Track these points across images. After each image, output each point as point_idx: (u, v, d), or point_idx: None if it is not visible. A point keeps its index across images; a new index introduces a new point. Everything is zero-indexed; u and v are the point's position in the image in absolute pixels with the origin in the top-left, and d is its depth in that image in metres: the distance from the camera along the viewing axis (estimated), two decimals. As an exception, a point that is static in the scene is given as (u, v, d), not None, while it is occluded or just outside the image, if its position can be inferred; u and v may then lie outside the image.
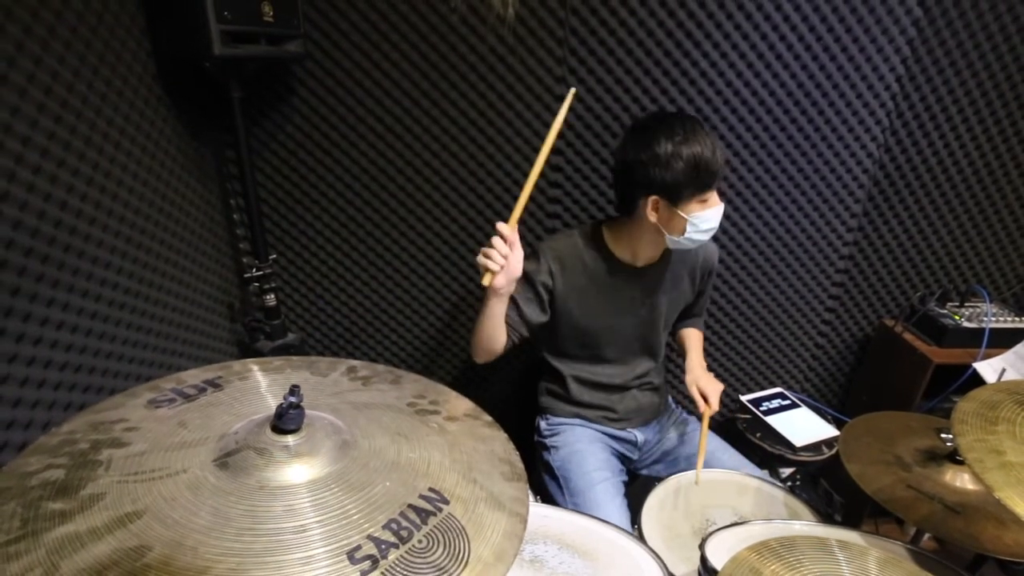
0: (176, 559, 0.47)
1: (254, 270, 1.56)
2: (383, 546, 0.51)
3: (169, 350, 1.34)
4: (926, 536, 1.18)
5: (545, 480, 1.48)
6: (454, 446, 0.66)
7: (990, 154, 1.76)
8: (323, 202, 1.69)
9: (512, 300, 1.32)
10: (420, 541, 0.52)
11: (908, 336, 1.83)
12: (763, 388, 1.98)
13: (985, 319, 1.73)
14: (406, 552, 0.51)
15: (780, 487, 1.33)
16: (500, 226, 1.16)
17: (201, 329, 1.49)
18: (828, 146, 1.70)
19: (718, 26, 1.52)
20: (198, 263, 1.48)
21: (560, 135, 1.62)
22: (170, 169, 1.37)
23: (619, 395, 1.48)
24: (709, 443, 1.52)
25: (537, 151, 1.07)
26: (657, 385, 1.53)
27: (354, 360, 0.83)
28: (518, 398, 1.83)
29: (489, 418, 0.74)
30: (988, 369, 1.65)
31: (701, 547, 0.98)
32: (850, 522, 1.78)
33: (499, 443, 0.69)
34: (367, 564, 0.49)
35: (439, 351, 1.92)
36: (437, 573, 0.50)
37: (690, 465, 1.42)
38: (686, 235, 1.22)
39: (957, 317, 1.75)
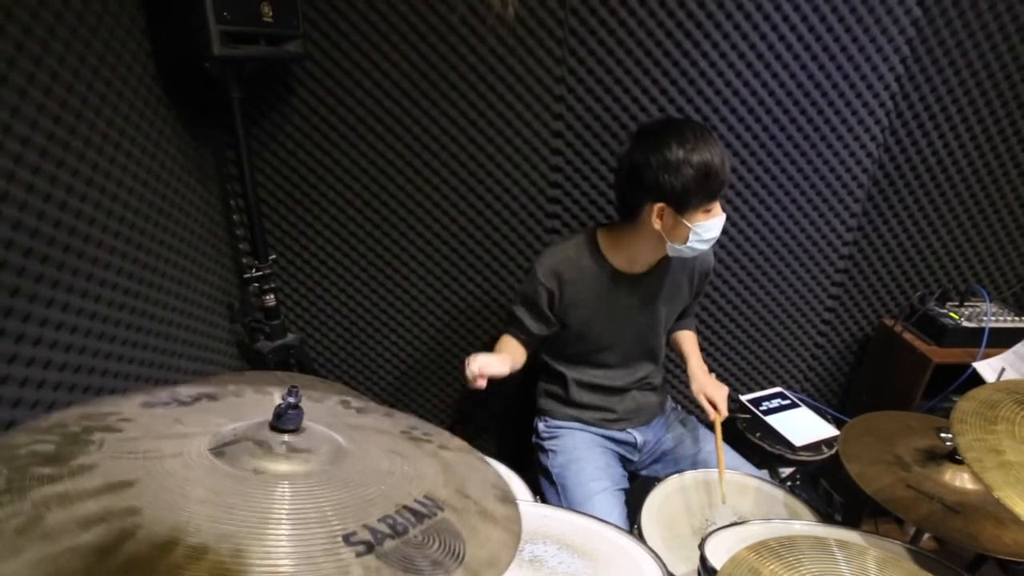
0: (168, 519, 0.46)
1: (254, 270, 1.56)
2: (378, 535, 0.51)
3: (169, 350, 1.34)
4: (926, 536, 1.18)
5: (543, 484, 1.48)
6: (448, 467, 0.66)
7: (989, 154, 1.76)
8: (323, 202, 1.69)
9: (520, 322, 1.40)
10: (416, 536, 0.52)
11: (908, 336, 1.83)
12: (763, 388, 1.98)
13: (985, 319, 1.73)
14: (402, 543, 0.51)
15: (780, 487, 1.33)
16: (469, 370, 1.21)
17: (201, 329, 1.49)
18: (828, 146, 1.70)
19: (717, 26, 1.52)
20: (198, 263, 1.48)
21: (559, 135, 1.62)
22: (170, 169, 1.37)
23: (619, 397, 1.48)
24: (709, 443, 1.52)
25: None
26: (657, 385, 1.53)
27: (347, 395, 0.83)
28: (519, 395, 1.83)
29: (481, 455, 0.74)
30: (988, 369, 1.66)
31: (701, 547, 0.98)
32: (850, 522, 1.78)
33: (491, 474, 0.70)
34: (362, 547, 0.49)
35: (439, 350, 1.92)
36: (433, 567, 0.50)
37: (689, 465, 1.42)
38: (688, 244, 1.21)
39: (957, 317, 1.75)
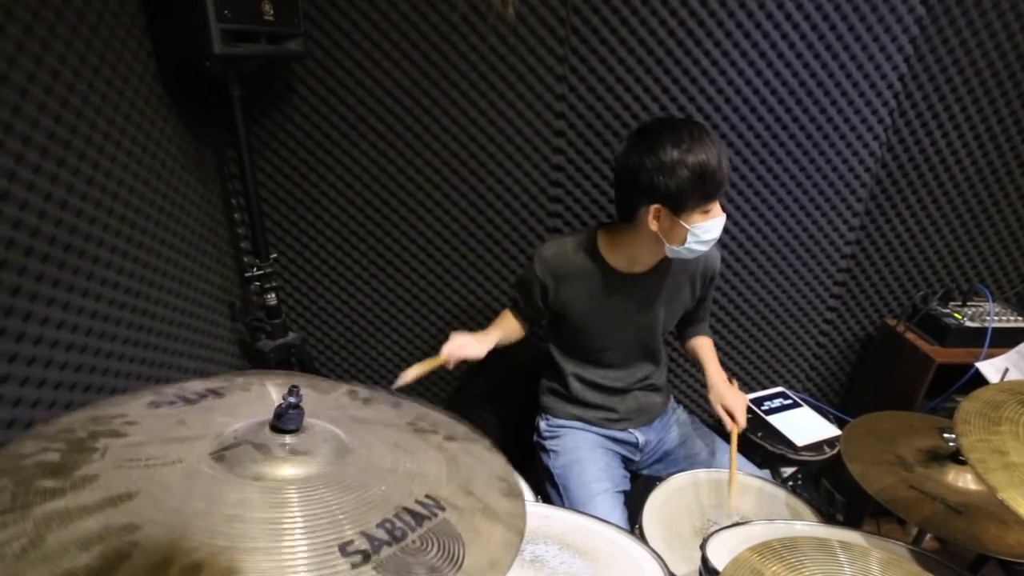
0: (164, 538, 0.47)
1: (255, 269, 1.56)
2: (376, 542, 0.50)
3: (170, 349, 1.34)
4: (928, 536, 1.18)
5: (545, 485, 1.47)
6: (452, 461, 0.66)
7: (993, 153, 1.76)
8: (324, 201, 1.68)
9: (516, 303, 1.46)
10: (414, 542, 0.52)
11: (910, 335, 1.82)
12: (765, 387, 1.98)
13: (988, 318, 1.73)
14: (399, 550, 0.50)
15: (781, 487, 1.33)
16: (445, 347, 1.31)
17: (202, 328, 1.49)
18: (830, 145, 1.70)
19: (720, 24, 1.52)
20: (199, 262, 1.48)
21: (561, 134, 1.62)
22: (171, 168, 1.37)
23: (620, 396, 1.48)
24: (710, 443, 1.52)
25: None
26: (659, 386, 1.53)
27: (355, 385, 0.83)
28: (521, 392, 1.83)
29: (488, 442, 0.73)
30: (990, 369, 1.65)
31: (702, 547, 0.97)
32: (852, 522, 1.78)
33: (498, 464, 0.69)
34: (358, 558, 0.49)
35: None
36: (430, 574, 0.49)
37: (690, 465, 1.42)
38: (686, 245, 1.19)
39: (959, 316, 1.74)
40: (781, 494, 1.31)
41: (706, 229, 1.19)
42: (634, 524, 1.22)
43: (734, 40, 1.54)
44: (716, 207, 1.20)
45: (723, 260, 1.80)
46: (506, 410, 2.02)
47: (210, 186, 1.56)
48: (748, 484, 1.34)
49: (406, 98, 1.56)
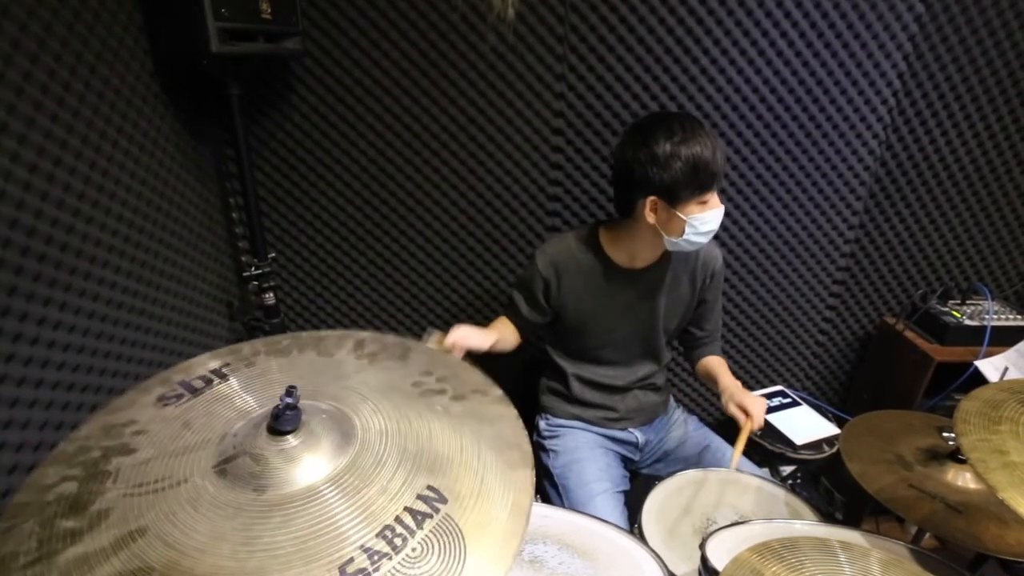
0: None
1: (253, 269, 1.56)
2: (375, 557, 0.51)
3: (168, 349, 1.34)
4: (927, 535, 1.18)
5: (544, 485, 1.47)
6: (458, 432, 0.65)
7: (992, 151, 1.76)
8: (322, 200, 1.68)
9: (514, 305, 1.42)
10: (414, 549, 0.52)
11: (909, 334, 1.82)
12: (764, 386, 1.98)
13: (987, 317, 1.73)
14: (399, 563, 0.51)
15: (781, 486, 1.33)
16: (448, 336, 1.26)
17: (200, 328, 1.49)
18: (829, 143, 1.70)
19: (719, 22, 1.51)
20: (197, 262, 1.48)
21: (560, 132, 1.62)
22: (168, 167, 1.36)
23: (620, 395, 1.48)
24: (710, 441, 1.51)
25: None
26: (660, 385, 1.53)
27: (363, 332, 0.82)
28: (520, 392, 1.82)
29: (499, 392, 0.72)
30: (990, 367, 1.65)
31: (702, 547, 0.97)
32: (851, 521, 1.78)
33: (507, 424, 0.68)
34: None
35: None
36: None
37: (690, 465, 1.42)
38: (684, 236, 1.20)
39: (958, 315, 1.74)
40: (780, 493, 1.30)
41: (704, 220, 1.19)
42: (633, 524, 1.22)
43: (733, 38, 1.54)
44: (714, 198, 1.20)
45: (723, 259, 1.80)
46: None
47: (208, 185, 1.56)
48: (747, 483, 1.33)
49: (405, 97, 1.56)
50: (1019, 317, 1.76)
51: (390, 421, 0.66)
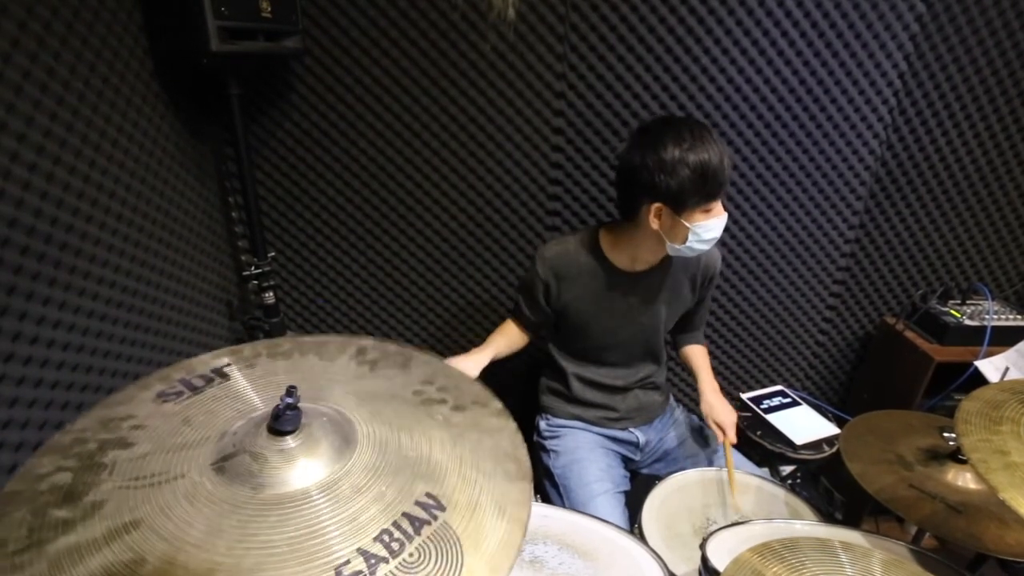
0: (168, 573, 0.48)
1: (253, 268, 1.56)
2: (372, 560, 0.50)
3: (167, 349, 1.34)
4: (927, 535, 1.18)
5: (545, 484, 1.47)
6: (458, 442, 0.65)
7: (993, 151, 1.76)
8: (322, 200, 1.68)
9: (519, 307, 1.44)
10: (412, 554, 0.52)
11: (909, 334, 1.82)
12: (764, 386, 1.98)
13: (987, 317, 1.73)
14: (396, 567, 0.50)
15: (781, 486, 1.33)
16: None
17: (200, 327, 1.48)
18: (830, 143, 1.69)
19: (719, 22, 1.51)
20: (197, 261, 1.47)
21: (561, 132, 1.61)
22: (168, 167, 1.36)
23: (621, 395, 1.48)
24: (711, 443, 1.51)
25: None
26: (660, 384, 1.52)
27: (366, 339, 0.82)
28: (521, 392, 1.82)
29: (499, 405, 0.72)
30: (990, 367, 1.65)
31: (702, 547, 0.97)
32: (851, 521, 1.78)
33: (506, 436, 0.68)
34: None
35: (439, 348, 1.91)
36: None
37: (690, 464, 1.42)
38: (687, 244, 1.19)
39: (958, 315, 1.74)
40: (780, 493, 1.30)
41: (707, 228, 1.18)
42: (633, 524, 1.22)
43: (734, 38, 1.53)
44: (717, 206, 1.19)
45: (723, 259, 1.80)
46: (507, 406, 2.01)
47: (208, 184, 1.55)
48: (747, 483, 1.33)
49: (405, 96, 1.55)
50: (1019, 317, 1.75)
51: (390, 427, 0.65)
